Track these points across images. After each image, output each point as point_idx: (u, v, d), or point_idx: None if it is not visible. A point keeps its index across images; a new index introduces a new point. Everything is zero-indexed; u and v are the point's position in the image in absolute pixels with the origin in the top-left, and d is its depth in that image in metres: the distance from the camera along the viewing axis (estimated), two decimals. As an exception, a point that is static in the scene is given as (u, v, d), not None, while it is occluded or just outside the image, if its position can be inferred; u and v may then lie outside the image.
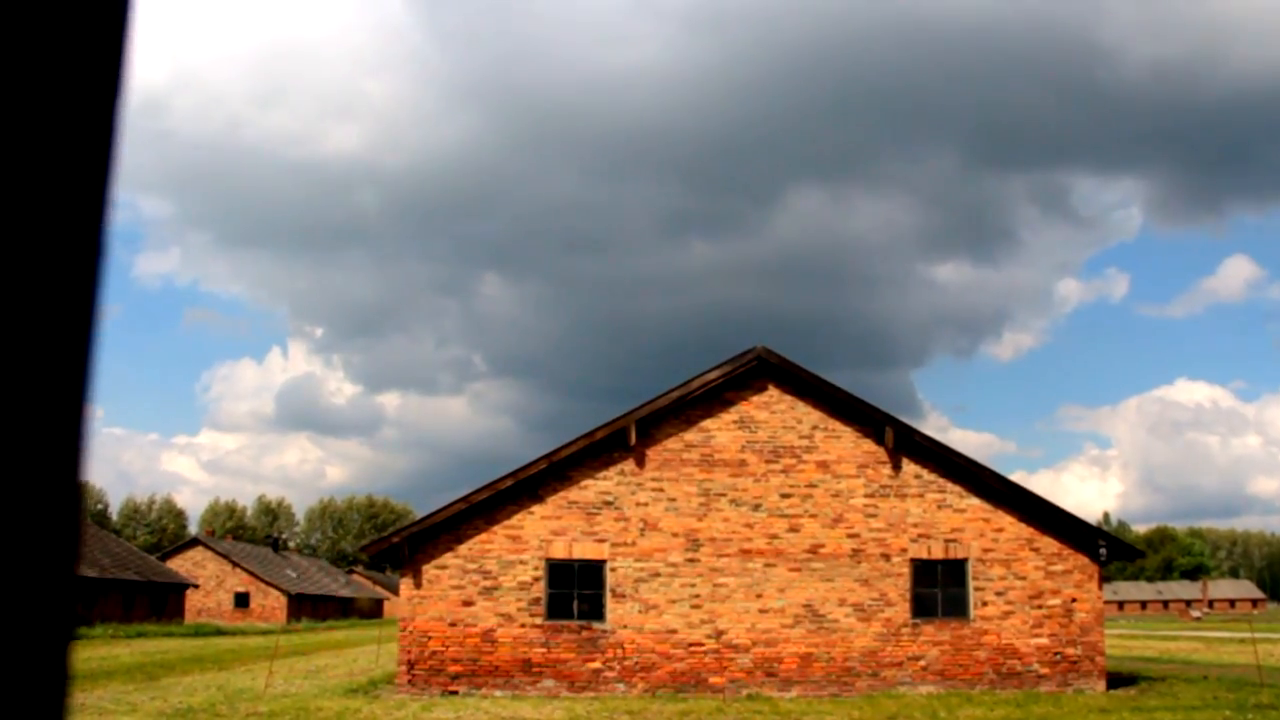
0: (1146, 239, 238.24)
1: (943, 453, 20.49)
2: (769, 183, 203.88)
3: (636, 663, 19.35)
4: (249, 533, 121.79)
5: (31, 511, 0.45)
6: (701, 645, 19.53)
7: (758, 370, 20.47)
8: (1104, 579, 20.85)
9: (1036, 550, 20.32)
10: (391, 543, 20.11)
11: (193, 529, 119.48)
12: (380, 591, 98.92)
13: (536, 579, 19.57)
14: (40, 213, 0.49)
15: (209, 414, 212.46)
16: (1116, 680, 21.05)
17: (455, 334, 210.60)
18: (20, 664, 0.44)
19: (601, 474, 20.03)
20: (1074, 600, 20.16)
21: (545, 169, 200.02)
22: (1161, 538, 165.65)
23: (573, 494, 19.94)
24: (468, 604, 19.44)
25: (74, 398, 0.48)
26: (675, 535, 19.88)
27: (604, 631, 19.46)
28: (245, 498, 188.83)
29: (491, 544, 19.67)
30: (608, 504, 19.93)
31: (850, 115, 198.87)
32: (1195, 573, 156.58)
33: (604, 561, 19.73)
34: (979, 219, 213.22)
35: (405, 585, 19.65)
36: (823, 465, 20.34)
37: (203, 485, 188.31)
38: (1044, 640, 19.94)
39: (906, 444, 20.50)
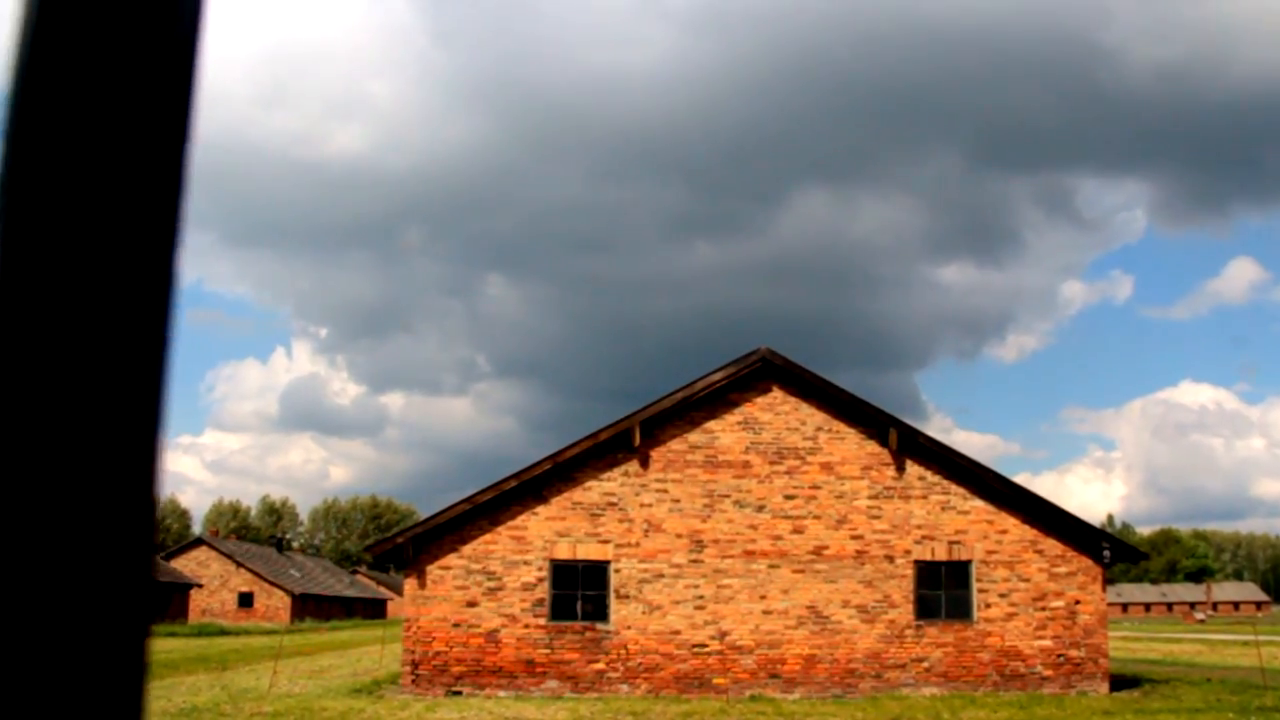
0: (1151, 241, 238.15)
1: (946, 454, 20.50)
2: (773, 184, 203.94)
3: (640, 664, 19.38)
4: (253, 533, 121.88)
5: (115, 518, 0.48)
6: (705, 646, 19.55)
7: (762, 372, 20.49)
8: (1107, 581, 20.86)
9: (1040, 552, 20.32)
10: (396, 543, 20.15)
11: (197, 529, 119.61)
12: (384, 592, 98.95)
13: (540, 580, 19.59)
14: (122, 230, 0.53)
15: (213, 414, 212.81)
16: (1120, 682, 21.05)
17: (459, 335, 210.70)
18: (104, 658, 0.47)
19: (605, 475, 20.06)
20: (1077, 602, 20.16)
21: (550, 170, 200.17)
22: (1165, 540, 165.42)
23: (577, 495, 19.96)
24: (472, 604, 19.47)
25: (151, 409, 0.51)
26: (679, 536, 19.90)
27: (608, 632, 19.48)
28: (249, 498, 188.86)
29: (495, 545, 19.71)
30: (612, 505, 19.95)
31: (854, 117, 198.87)
32: (1199, 575, 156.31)
33: (608, 562, 19.75)
34: (983, 221, 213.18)
35: (409, 586, 19.68)
36: (826, 467, 20.36)
37: (207, 485, 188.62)
38: (1047, 642, 19.94)
39: (910, 446, 20.51)
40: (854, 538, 20.14)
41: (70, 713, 0.46)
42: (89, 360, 0.49)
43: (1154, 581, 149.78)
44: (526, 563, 19.65)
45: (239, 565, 73.82)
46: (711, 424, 20.37)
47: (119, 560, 0.47)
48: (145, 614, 0.47)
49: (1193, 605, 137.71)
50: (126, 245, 0.52)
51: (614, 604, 19.61)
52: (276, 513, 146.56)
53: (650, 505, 19.99)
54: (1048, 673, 19.80)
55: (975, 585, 20.13)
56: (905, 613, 19.89)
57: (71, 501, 0.47)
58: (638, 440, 19.90)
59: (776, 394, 20.57)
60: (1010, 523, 20.39)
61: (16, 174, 0.51)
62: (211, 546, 75.15)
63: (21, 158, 0.51)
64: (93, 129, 0.53)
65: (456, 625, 19.39)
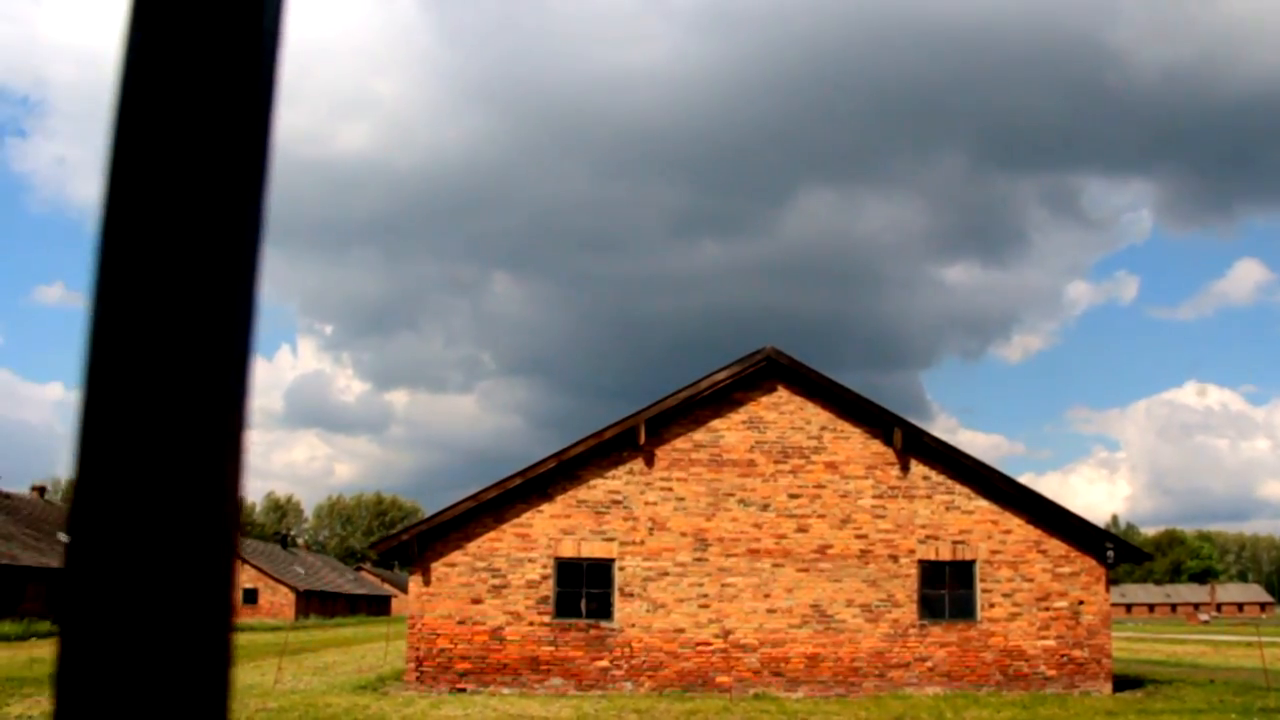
0: (1156, 242, 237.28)
1: (951, 454, 20.53)
2: (779, 183, 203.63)
3: (644, 661, 19.43)
4: (258, 529, 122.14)
5: (202, 516, 0.52)
6: (709, 645, 19.60)
7: (767, 371, 20.53)
8: (1111, 581, 20.88)
9: (1044, 552, 20.34)
10: (401, 540, 20.22)
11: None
12: (388, 589, 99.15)
13: (545, 577, 19.64)
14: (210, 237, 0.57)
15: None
16: (1123, 683, 21.07)
17: (464, 332, 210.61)
18: (191, 651, 0.52)
19: (610, 473, 20.10)
20: (1081, 603, 20.18)
21: (555, 168, 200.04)
22: (1170, 541, 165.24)
23: (581, 493, 20.01)
24: (476, 602, 19.53)
25: (235, 410, 0.56)
26: (683, 535, 19.95)
27: (612, 630, 19.53)
28: (254, 494, 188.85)
29: (500, 542, 19.76)
30: (616, 503, 20.00)
31: (860, 116, 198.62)
32: (1203, 576, 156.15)
33: (612, 560, 19.81)
34: (989, 221, 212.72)
35: (414, 583, 19.74)
36: (831, 466, 20.39)
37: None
38: (1051, 642, 19.97)
39: (915, 445, 20.54)
40: (858, 537, 20.17)
41: (167, 697, 0.50)
42: (181, 363, 0.54)
43: (1158, 582, 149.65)
44: (531, 560, 19.70)
45: (243, 561, 73.93)
46: (716, 423, 20.42)
47: (209, 554, 0.52)
48: (230, 606, 0.52)
49: (1197, 606, 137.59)
50: (216, 251, 0.57)
51: (618, 602, 19.66)
52: (281, 509, 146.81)
53: (655, 503, 20.03)
54: (1051, 673, 19.83)
55: (979, 585, 20.16)
56: (909, 612, 19.93)
57: (170, 500, 0.52)
58: (643, 439, 19.95)
59: (781, 393, 20.61)
60: (1014, 523, 20.41)
61: (118, 190, 0.55)
62: (216, 543, 75.09)
63: (124, 171, 0.55)
64: (187, 143, 0.58)
65: (461, 622, 19.45)
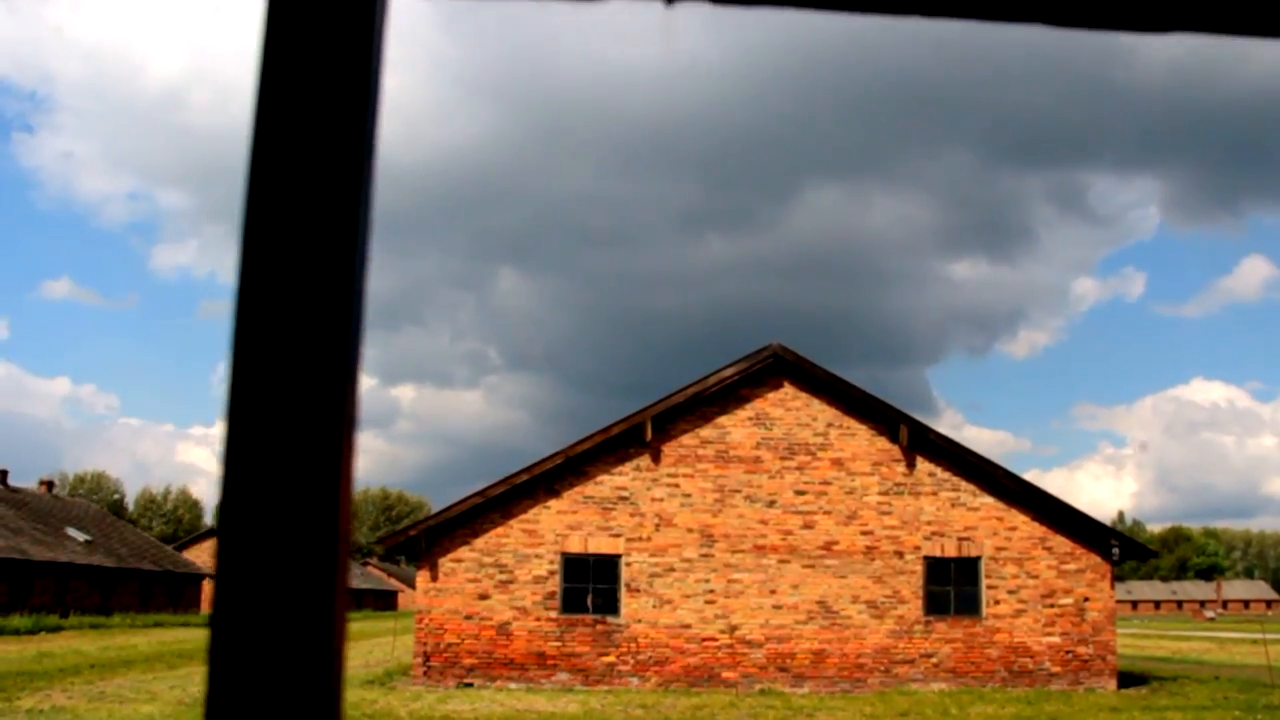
0: (1163, 238, 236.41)
1: (957, 451, 20.58)
2: (785, 179, 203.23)
3: (650, 657, 19.52)
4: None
5: (325, 520, 0.59)
6: (715, 640, 19.68)
7: (773, 367, 20.60)
8: (1117, 578, 20.94)
9: (1049, 549, 20.40)
10: (408, 536, 20.31)
11: (208, 520, 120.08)
12: (395, 584, 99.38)
13: (552, 573, 19.74)
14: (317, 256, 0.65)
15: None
16: (1128, 679, 21.12)
17: (470, 327, 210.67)
18: (304, 651, 0.59)
19: (617, 469, 20.18)
20: (1086, 599, 20.24)
21: (561, 164, 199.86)
22: (1176, 538, 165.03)
23: (588, 489, 20.10)
24: (483, 597, 19.63)
25: (345, 418, 0.63)
26: (690, 531, 20.03)
27: (618, 625, 19.62)
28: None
29: (507, 538, 19.85)
30: (623, 499, 20.09)
31: (867, 112, 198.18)
32: (1209, 573, 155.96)
33: (619, 556, 19.89)
34: (996, 217, 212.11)
35: (422, 578, 19.84)
36: (837, 462, 20.45)
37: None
38: (1056, 639, 20.02)
39: (921, 442, 20.60)
40: (864, 533, 20.24)
41: (297, 674, 0.57)
42: (310, 375, 0.61)
43: (1164, 579, 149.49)
44: (538, 556, 19.79)
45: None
46: (723, 419, 20.49)
47: (328, 553, 0.59)
48: (345, 599, 0.59)
49: (1202, 603, 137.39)
50: (331, 255, 0.64)
51: (625, 597, 19.75)
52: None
53: (661, 499, 20.11)
54: (1056, 669, 19.89)
55: (984, 581, 20.22)
56: (914, 608, 19.99)
57: (300, 506, 0.59)
58: (649, 435, 20.03)
59: (788, 390, 20.68)
60: (1020, 519, 20.47)
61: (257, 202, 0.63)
62: (223, 538, 75.19)
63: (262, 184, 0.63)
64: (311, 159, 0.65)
65: (468, 617, 19.55)
